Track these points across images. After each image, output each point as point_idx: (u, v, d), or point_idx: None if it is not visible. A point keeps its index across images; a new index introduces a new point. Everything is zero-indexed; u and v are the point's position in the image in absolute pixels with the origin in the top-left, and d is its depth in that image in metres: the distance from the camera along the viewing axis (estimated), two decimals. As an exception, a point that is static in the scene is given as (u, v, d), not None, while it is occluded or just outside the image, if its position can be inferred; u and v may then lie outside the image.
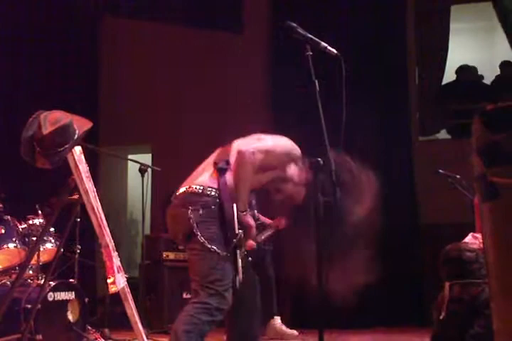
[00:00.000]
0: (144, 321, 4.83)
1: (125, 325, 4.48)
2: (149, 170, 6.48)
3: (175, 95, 8.95)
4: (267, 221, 6.73)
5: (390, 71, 8.22)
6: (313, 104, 3.08)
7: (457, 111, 8.88)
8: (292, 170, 3.62)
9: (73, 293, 5.56)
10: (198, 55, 8.87)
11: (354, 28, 8.11)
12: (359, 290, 3.20)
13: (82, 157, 3.95)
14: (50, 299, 5.34)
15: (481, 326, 3.99)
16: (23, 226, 5.67)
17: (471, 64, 9.18)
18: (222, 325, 3.68)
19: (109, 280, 3.87)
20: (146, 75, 9.24)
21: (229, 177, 3.46)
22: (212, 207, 3.41)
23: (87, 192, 3.92)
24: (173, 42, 9.12)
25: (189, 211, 3.41)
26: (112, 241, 3.98)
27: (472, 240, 4.55)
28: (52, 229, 5.77)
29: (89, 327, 5.74)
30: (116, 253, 3.97)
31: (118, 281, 3.87)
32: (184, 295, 7.24)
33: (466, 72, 9.13)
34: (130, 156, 8.66)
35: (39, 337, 5.11)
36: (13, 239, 5.56)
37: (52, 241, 5.84)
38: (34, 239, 5.55)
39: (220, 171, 3.46)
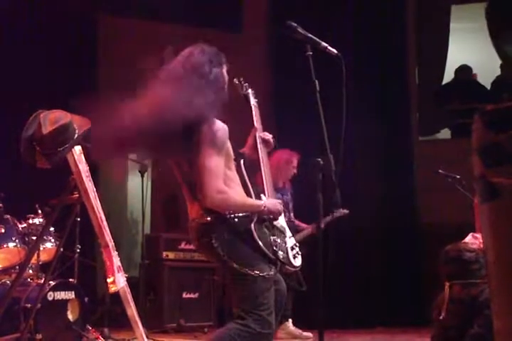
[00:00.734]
0: (144, 321, 4.82)
1: (125, 324, 4.48)
2: (149, 169, 6.47)
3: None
4: (303, 225, 6.76)
5: (390, 71, 8.23)
6: (314, 104, 3.08)
7: (457, 111, 8.89)
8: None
9: (73, 292, 5.55)
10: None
11: (354, 28, 8.11)
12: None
13: (82, 156, 3.95)
14: (50, 298, 5.34)
15: (481, 326, 3.99)
16: (22, 225, 5.67)
17: (471, 64, 9.19)
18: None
19: (109, 280, 3.86)
20: (146, 75, 9.23)
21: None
22: (238, 228, 3.28)
23: (86, 191, 3.92)
24: (172, 42, 9.10)
25: (213, 240, 3.27)
26: (112, 240, 3.98)
27: (472, 240, 4.55)
28: (52, 229, 5.77)
29: (89, 327, 5.74)
30: (116, 252, 3.97)
31: (118, 281, 3.87)
32: (184, 295, 7.24)
33: (465, 72, 9.15)
34: (130, 156, 8.65)
35: (39, 336, 5.10)
36: (13, 239, 5.55)
37: (52, 240, 5.84)
38: (34, 238, 5.54)
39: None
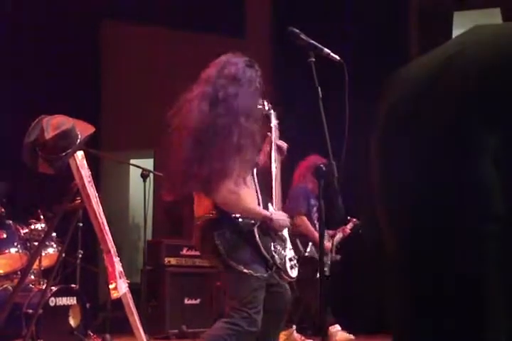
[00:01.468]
0: (146, 327, 4.81)
1: (126, 330, 4.46)
2: (151, 175, 6.47)
3: (178, 100, 8.94)
4: (330, 232, 6.76)
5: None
6: (316, 109, 3.07)
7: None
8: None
9: (75, 298, 5.55)
10: (201, 60, 8.86)
11: (356, 34, 8.12)
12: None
13: (84, 162, 3.95)
14: (52, 304, 5.34)
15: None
16: (24, 230, 5.67)
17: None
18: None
19: (110, 286, 3.86)
20: (149, 80, 9.25)
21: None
22: (241, 228, 3.40)
23: (89, 197, 3.92)
24: (176, 47, 9.12)
25: (215, 236, 3.37)
26: (114, 246, 3.97)
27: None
28: (54, 234, 5.76)
29: (91, 333, 5.73)
30: (118, 258, 3.96)
31: (120, 287, 3.86)
32: (186, 301, 7.23)
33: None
34: (132, 161, 8.66)
35: (40, 342, 5.10)
36: (15, 244, 5.55)
37: (54, 246, 5.83)
38: (36, 243, 5.54)
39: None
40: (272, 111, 3.92)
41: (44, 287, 5.14)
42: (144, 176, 6.45)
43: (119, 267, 3.92)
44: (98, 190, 4.10)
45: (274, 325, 3.59)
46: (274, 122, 3.92)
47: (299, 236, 6.32)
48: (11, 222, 5.64)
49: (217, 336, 3.30)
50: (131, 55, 9.40)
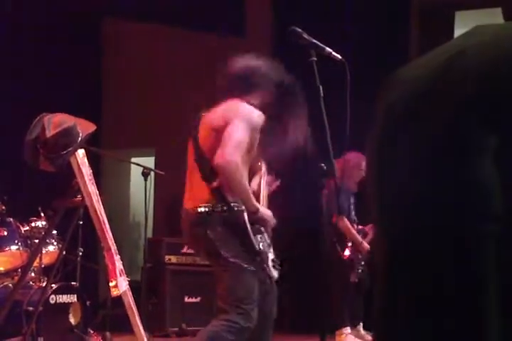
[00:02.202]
0: (146, 324, 4.82)
1: (127, 328, 4.47)
2: (152, 173, 6.47)
3: (178, 98, 8.96)
4: (364, 229, 6.74)
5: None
6: (318, 109, 3.08)
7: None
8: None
9: (75, 295, 5.55)
10: (201, 59, 8.87)
11: (357, 34, 8.11)
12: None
13: (85, 160, 3.95)
14: (52, 302, 5.34)
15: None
16: (25, 228, 5.67)
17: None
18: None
19: (111, 284, 3.87)
20: (150, 78, 9.25)
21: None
22: (231, 219, 3.38)
23: (89, 195, 3.92)
24: (176, 46, 9.12)
25: (208, 231, 3.38)
26: (115, 244, 3.98)
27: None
28: (54, 232, 5.77)
29: (91, 330, 5.73)
30: (118, 256, 3.97)
31: (120, 285, 3.87)
32: (186, 299, 7.24)
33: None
34: (133, 159, 8.66)
35: (40, 339, 5.10)
36: (16, 242, 5.56)
37: (55, 243, 5.84)
38: (36, 241, 5.54)
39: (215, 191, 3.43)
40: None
41: (44, 284, 5.15)
42: (145, 174, 6.45)
43: (119, 265, 3.93)
44: (99, 188, 4.11)
45: (265, 324, 3.58)
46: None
47: (336, 236, 6.22)
48: (11, 219, 5.65)
49: (214, 333, 3.30)
50: (132, 54, 9.40)
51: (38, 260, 5.46)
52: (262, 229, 3.51)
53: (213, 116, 3.54)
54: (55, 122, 3.79)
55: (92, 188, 3.95)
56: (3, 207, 5.66)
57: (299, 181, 6.77)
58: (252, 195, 3.45)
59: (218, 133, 3.40)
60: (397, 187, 1.15)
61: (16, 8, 8.29)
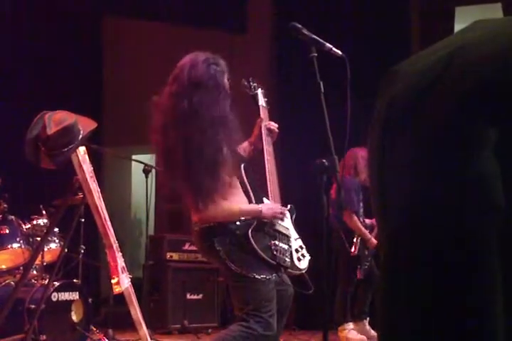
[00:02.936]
0: (148, 321, 4.83)
1: (129, 325, 4.48)
2: (153, 170, 6.47)
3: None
4: (372, 222, 6.69)
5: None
6: (318, 105, 3.07)
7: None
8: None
9: (77, 293, 5.56)
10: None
11: (357, 30, 8.10)
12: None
13: (86, 157, 3.95)
14: (54, 299, 5.35)
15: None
16: (27, 226, 5.68)
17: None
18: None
19: (113, 281, 3.87)
20: (150, 75, 9.24)
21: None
22: (237, 232, 3.33)
23: (91, 192, 3.92)
24: (177, 43, 9.11)
25: (215, 243, 3.33)
26: (116, 241, 3.98)
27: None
28: (56, 229, 5.77)
29: (93, 328, 5.74)
30: (120, 253, 3.97)
31: (122, 282, 3.87)
32: (188, 296, 7.24)
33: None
34: (134, 156, 8.66)
35: (43, 337, 5.11)
36: (18, 239, 5.56)
37: (57, 241, 5.84)
38: (38, 239, 5.55)
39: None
40: (258, 91, 3.75)
41: (46, 282, 5.15)
42: (146, 171, 6.46)
43: (121, 262, 3.93)
44: (100, 185, 4.11)
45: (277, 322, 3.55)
46: (261, 101, 3.72)
47: (344, 233, 6.18)
48: (13, 217, 5.65)
49: (231, 337, 3.26)
50: (133, 51, 9.40)
51: (39, 258, 5.47)
52: (276, 225, 3.48)
53: None
54: (55, 120, 3.79)
55: (93, 185, 3.95)
56: (5, 205, 5.67)
57: (301, 178, 6.77)
58: (246, 207, 3.40)
59: None
60: (398, 180, 1.15)
61: (16, 8, 8.29)
